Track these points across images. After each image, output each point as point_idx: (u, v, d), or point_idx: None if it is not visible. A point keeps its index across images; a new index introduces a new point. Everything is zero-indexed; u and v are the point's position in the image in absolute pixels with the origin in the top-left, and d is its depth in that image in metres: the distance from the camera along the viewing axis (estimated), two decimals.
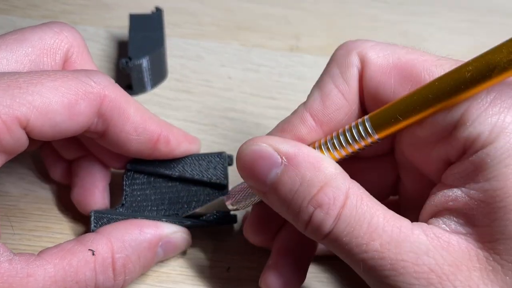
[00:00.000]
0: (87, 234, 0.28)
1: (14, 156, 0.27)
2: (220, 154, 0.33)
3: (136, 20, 0.43)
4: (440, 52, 0.25)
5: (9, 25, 0.46)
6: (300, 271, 0.30)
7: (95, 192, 0.32)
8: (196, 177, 0.32)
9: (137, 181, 0.33)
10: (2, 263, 0.24)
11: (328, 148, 0.26)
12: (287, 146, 0.25)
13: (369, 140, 0.25)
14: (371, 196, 0.25)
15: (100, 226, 0.30)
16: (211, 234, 0.34)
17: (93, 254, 0.27)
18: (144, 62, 0.40)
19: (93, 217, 0.30)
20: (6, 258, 0.25)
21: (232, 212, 0.33)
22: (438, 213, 0.24)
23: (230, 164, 0.34)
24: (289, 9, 0.49)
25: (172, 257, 0.32)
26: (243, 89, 0.43)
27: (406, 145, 0.27)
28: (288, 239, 0.30)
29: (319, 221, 0.24)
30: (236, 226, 0.34)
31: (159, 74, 0.42)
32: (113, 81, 0.29)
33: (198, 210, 0.32)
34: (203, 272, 0.32)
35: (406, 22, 0.49)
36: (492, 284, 0.22)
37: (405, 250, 0.23)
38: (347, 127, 0.26)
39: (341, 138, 0.26)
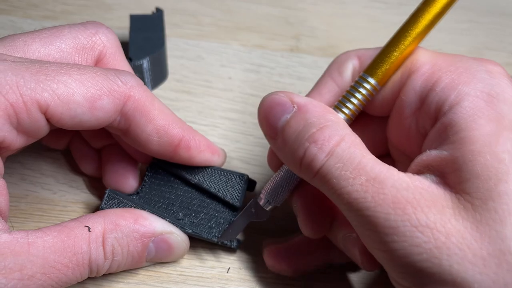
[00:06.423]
0: (86, 214, 0.29)
1: (34, 142, 0.28)
2: (242, 176, 0.34)
3: (136, 21, 0.43)
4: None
5: (9, 26, 0.46)
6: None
7: (128, 176, 0.34)
8: (212, 190, 0.33)
9: (158, 176, 0.34)
10: (1, 234, 0.25)
11: (337, 108, 0.29)
12: (301, 98, 0.28)
13: (368, 86, 0.29)
14: (365, 146, 0.26)
15: (110, 206, 0.31)
16: None
17: (89, 231, 0.28)
18: (145, 63, 0.40)
19: (106, 195, 0.32)
20: (5, 231, 0.25)
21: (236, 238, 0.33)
22: (418, 172, 0.26)
23: (250, 190, 0.34)
24: (289, 10, 0.50)
25: (170, 260, 0.32)
26: (243, 90, 0.43)
27: (391, 131, 0.30)
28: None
29: (312, 156, 0.26)
30: None
31: (159, 74, 0.42)
32: (141, 82, 0.30)
33: (234, 220, 0.32)
34: (203, 272, 0.33)
35: None
36: (463, 220, 0.24)
37: (387, 185, 0.25)
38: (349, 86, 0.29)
39: (346, 95, 0.29)
